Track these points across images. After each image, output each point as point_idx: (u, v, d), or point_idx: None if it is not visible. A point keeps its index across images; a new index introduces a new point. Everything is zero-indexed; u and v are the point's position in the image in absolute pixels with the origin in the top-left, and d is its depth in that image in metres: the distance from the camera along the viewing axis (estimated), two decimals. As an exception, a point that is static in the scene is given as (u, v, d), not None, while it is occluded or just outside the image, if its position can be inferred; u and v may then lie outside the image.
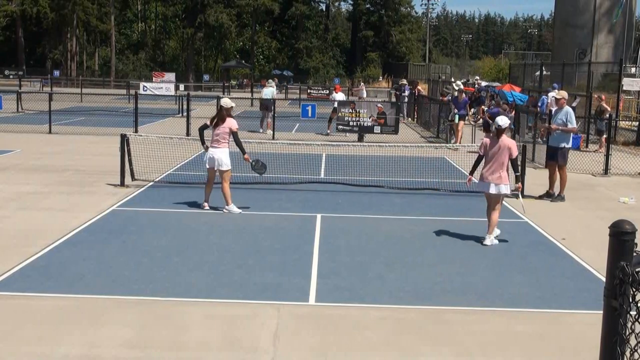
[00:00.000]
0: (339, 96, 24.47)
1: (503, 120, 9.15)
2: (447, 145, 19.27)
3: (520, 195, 9.78)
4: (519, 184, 9.40)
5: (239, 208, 10.57)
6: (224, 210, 10.55)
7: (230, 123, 10.59)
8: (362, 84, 43.87)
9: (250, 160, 10.97)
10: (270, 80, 27.41)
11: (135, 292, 6.78)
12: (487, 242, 9.03)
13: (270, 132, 22.57)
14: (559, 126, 12.49)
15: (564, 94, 13.12)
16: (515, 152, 9.02)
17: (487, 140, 9.24)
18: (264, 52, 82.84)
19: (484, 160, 9.17)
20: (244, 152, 10.66)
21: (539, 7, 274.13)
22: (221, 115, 10.60)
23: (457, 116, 20.29)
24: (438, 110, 23.43)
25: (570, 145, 12.67)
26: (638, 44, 50.51)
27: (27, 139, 19.59)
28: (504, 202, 11.70)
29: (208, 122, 10.75)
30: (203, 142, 10.77)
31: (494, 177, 8.98)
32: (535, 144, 16.55)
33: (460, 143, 19.66)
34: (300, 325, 6.03)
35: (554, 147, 12.61)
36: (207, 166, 10.60)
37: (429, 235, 9.49)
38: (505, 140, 9.06)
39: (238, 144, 10.60)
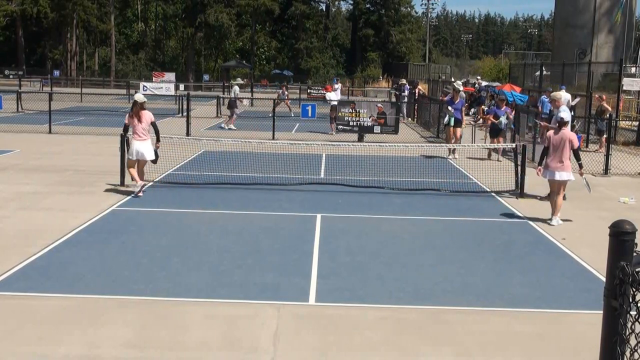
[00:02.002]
0: (333, 95, 25.60)
1: (565, 114, 10.61)
2: (447, 157, 17.62)
3: (585, 179, 11.05)
4: (582, 170, 10.61)
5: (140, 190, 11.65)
6: (139, 192, 11.55)
7: (150, 115, 11.79)
8: (338, 84, 35.33)
9: (159, 147, 12.21)
10: (238, 78, 29.18)
11: (135, 292, 6.78)
12: (554, 222, 10.20)
13: (233, 126, 24.48)
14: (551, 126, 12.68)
15: (555, 95, 13.26)
16: (576, 143, 10.38)
17: (550, 133, 10.49)
18: (264, 52, 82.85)
19: (548, 151, 10.38)
20: (158, 140, 12.07)
21: (539, 7, 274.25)
22: (137, 109, 11.64)
23: (452, 119, 17.95)
24: (438, 110, 23.42)
25: None
26: (638, 44, 50.51)
27: (27, 139, 19.59)
28: (504, 202, 11.75)
29: (128, 121, 11.74)
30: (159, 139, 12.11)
31: (558, 166, 10.23)
32: (535, 144, 16.54)
33: (455, 152, 17.70)
34: (300, 325, 6.03)
35: None
36: (135, 158, 11.60)
37: (429, 235, 9.49)
38: (567, 132, 10.34)
39: (157, 131, 11.97)
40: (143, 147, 11.58)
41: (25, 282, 7.00)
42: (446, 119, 18.25)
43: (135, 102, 11.70)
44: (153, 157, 11.83)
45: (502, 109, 17.48)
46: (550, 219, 10.32)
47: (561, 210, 10.70)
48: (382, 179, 13.60)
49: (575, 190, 13.21)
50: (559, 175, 10.25)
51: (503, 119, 17.50)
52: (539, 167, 10.67)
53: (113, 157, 13.98)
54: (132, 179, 11.61)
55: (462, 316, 6.35)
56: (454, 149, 17.64)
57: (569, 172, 10.27)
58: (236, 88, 26.27)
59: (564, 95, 16.28)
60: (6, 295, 6.61)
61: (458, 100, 18.35)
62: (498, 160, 17.22)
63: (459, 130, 18.03)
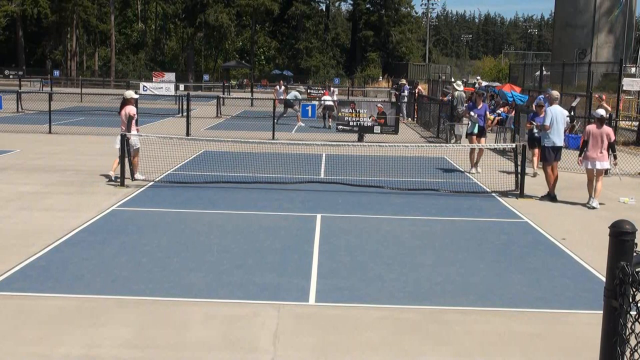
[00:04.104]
0: (328, 97, 27.75)
1: (605, 111, 12.16)
2: (470, 171, 15.34)
3: (617, 169, 12.85)
4: (616, 161, 12.31)
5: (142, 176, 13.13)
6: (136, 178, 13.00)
7: (128, 110, 13.02)
8: (332, 88, 32.04)
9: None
10: (300, 87, 32.18)
11: (135, 292, 6.78)
12: (595, 204, 11.67)
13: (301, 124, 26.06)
14: (538, 125, 13.12)
15: (553, 94, 13.29)
16: (613, 137, 11.84)
17: (591, 127, 11.85)
18: (264, 52, 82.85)
19: (588, 143, 11.73)
20: (137, 130, 13.39)
21: (539, 7, 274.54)
22: (122, 104, 13.17)
23: (476, 126, 15.47)
24: (438, 110, 23.43)
25: (547, 143, 12.51)
26: (638, 44, 50.55)
27: (27, 139, 19.59)
28: (504, 202, 11.79)
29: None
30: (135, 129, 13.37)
31: (598, 156, 11.66)
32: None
33: (477, 165, 15.46)
34: (300, 325, 6.03)
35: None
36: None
37: (429, 235, 9.49)
38: (606, 127, 11.80)
39: (129, 126, 12.97)
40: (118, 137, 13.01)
41: (25, 282, 7.00)
42: (469, 126, 15.84)
43: (123, 98, 13.31)
44: (135, 147, 13.05)
45: (542, 117, 13.88)
46: (592, 202, 11.70)
47: (562, 209, 10.73)
48: (382, 179, 13.60)
49: (575, 190, 13.22)
50: (600, 165, 11.71)
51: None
52: (580, 157, 11.95)
53: (113, 157, 13.98)
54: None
55: (462, 316, 6.35)
56: (477, 162, 15.51)
57: (606, 161, 11.76)
58: (297, 93, 28.05)
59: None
60: (6, 295, 6.60)
61: (481, 105, 15.84)
62: (534, 175, 15.05)
63: (483, 139, 15.63)
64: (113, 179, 12.79)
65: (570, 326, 6.23)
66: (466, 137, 16.77)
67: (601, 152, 11.72)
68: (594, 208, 11.59)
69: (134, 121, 13.03)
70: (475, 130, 15.58)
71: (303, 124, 26.01)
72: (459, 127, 21.34)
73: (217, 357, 5.37)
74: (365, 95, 53.07)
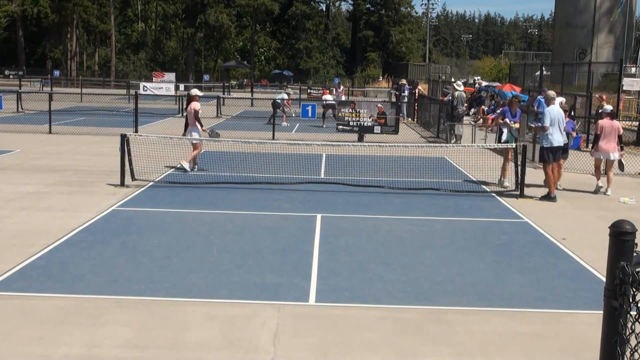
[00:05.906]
0: (329, 97, 28.13)
1: (611, 108, 14.11)
2: (497, 184, 13.66)
3: (621, 159, 13.98)
4: (622, 152, 13.62)
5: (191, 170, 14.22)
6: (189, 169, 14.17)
7: (192, 105, 14.13)
8: (341, 87, 37.83)
9: (207, 131, 14.99)
10: (289, 89, 32.08)
11: (135, 292, 6.78)
12: (609, 192, 12.96)
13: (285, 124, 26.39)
14: (536, 126, 13.43)
15: (550, 93, 13.31)
16: (621, 130, 13.46)
17: (603, 122, 13.20)
18: (264, 52, 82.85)
19: (601, 136, 13.08)
20: (202, 126, 14.35)
21: (539, 7, 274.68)
22: (188, 100, 14.40)
23: (512, 135, 13.98)
24: (438, 110, 23.43)
25: (545, 144, 12.39)
26: (638, 44, 50.57)
27: (27, 139, 19.58)
28: (504, 202, 11.80)
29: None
30: (202, 125, 14.39)
31: (610, 148, 13.06)
32: (535, 144, 16.54)
33: (507, 178, 13.59)
34: (300, 325, 6.03)
35: None
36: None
37: (429, 235, 9.49)
38: (615, 122, 13.38)
39: (198, 120, 14.11)
40: (188, 131, 14.29)
41: (25, 282, 7.00)
42: (504, 135, 14.01)
43: (189, 94, 14.56)
44: (193, 142, 14.33)
45: (567, 121, 13.57)
46: (606, 191, 12.99)
47: (562, 209, 10.75)
48: (382, 179, 13.59)
49: (575, 190, 13.22)
50: (612, 156, 13.09)
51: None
52: (592, 149, 13.39)
53: (113, 157, 13.99)
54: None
55: (462, 316, 6.35)
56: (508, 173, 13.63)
57: (617, 152, 13.14)
58: (285, 95, 28.41)
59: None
60: (6, 295, 6.60)
61: (516, 109, 14.34)
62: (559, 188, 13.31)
63: (511, 152, 13.35)
64: (188, 169, 14.08)
65: (570, 326, 6.23)
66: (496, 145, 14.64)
67: (612, 145, 13.02)
68: (606, 194, 12.84)
69: (198, 116, 14.11)
70: (513, 141, 13.71)
71: (287, 124, 26.33)
72: (459, 127, 21.38)
73: (217, 357, 5.37)
74: (366, 95, 53.06)
